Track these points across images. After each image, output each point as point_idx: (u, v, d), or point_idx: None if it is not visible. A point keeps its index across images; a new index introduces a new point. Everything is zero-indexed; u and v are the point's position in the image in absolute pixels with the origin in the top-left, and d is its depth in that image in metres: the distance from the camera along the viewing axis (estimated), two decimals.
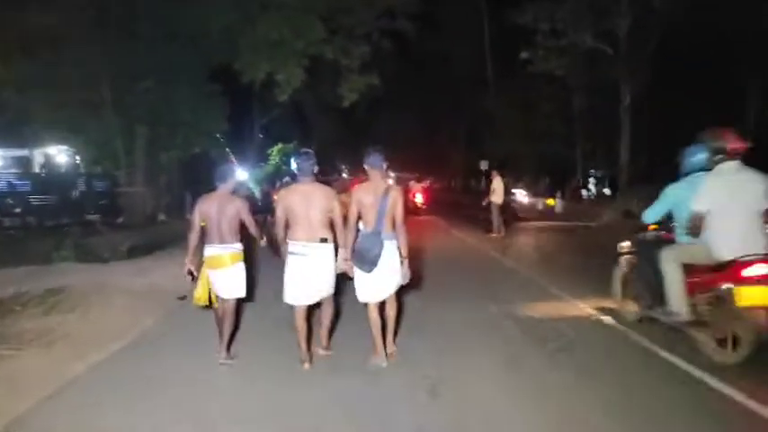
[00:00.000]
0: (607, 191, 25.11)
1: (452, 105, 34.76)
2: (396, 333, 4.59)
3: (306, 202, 4.20)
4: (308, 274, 4.20)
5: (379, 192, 4.23)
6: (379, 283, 4.23)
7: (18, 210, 16.91)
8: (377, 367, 4.25)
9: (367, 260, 4.12)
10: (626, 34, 17.52)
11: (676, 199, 4.64)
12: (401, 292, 4.54)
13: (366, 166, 4.35)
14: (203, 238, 4.52)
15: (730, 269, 4.18)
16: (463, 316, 5.89)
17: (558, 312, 5.97)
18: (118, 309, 6.19)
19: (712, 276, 4.38)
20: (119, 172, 18.28)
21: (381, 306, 4.37)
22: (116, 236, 14.59)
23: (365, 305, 4.34)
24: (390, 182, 5.27)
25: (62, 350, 4.77)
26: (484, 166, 33.88)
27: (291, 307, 4.35)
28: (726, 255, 4.20)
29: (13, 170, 19.77)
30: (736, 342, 4.22)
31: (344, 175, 34.80)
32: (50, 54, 14.76)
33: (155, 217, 18.76)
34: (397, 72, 30.48)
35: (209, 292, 4.59)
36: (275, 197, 19.33)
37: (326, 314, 4.51)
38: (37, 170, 19.31)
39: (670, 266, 4.55)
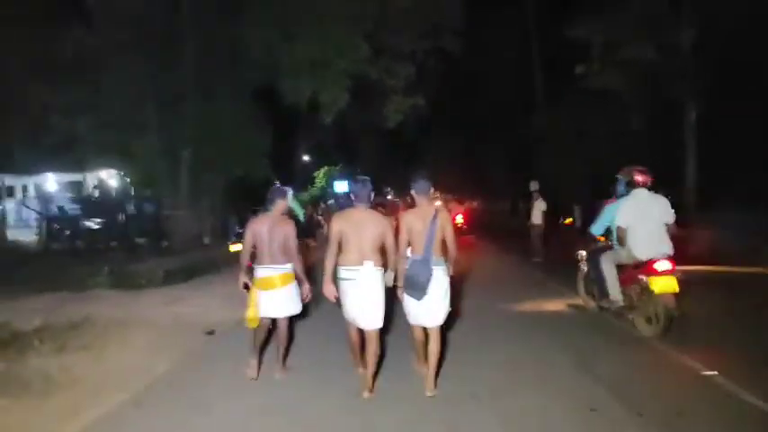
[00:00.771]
0: None
1: (499, 126, 33.73)
2: (437, 373, 4.43)
3: (359, 228, 4.24)
4: (356, 298, 4.22)
5: (428, 217, 4.27)
6: (431, 309, 4.26)
7: (67, 233, 17.13)
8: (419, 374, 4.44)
9: (417, 287, 4.16)
10: (691, 46, 16.27)
11: (611, 216, 6.20)
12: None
13: (413, 192, 4.42)
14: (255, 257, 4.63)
15: (646, 266, 5.83)
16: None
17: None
18: (136, 347, 5.65)
19: (635, 272, 6.05)
20: (163, 195, 18.26)
21: (425, 338, 4.42)
22: (158, 260, 14.44)
23: (411, 327, 4.47)
24: (438, 204, 5.50)
25: (60, 401, 4.23)
26: (534, 186, 32.66)
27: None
28: (643, 256, 5.84)
29: (67, 194, 20.33)
30: (657, 319, 5.75)
31: (390, 197, 34.22)
32: (95, 76, 14.91)
33: (200, 240, 18.65)
34: (442, 93, 29.96)
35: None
36: (319, 219, 19.13)
37: (372, 346, 4.29)
38: (89, 194, 19.73)
39: (607, 267, 6.35)
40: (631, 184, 6.07)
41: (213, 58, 16.54)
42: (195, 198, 19.21)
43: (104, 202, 18.43)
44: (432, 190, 4.54)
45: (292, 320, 4.95)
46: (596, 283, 6.71)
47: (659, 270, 5.67)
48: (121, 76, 15.41)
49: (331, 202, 27.82)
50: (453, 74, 30.03)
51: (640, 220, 5.84)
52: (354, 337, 4.41)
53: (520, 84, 30.93)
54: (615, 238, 6.15)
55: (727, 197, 15.95)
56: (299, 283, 4.80)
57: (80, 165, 18.90)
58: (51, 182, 23.13)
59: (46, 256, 14.12)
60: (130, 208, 20.05)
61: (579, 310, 7.37)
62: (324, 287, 4.33)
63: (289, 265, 4.58)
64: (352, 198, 4.48)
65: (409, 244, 4.36)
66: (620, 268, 6.27)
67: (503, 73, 31.48)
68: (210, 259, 13.17)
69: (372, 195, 4.49)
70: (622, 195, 6.23)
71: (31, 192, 22.25)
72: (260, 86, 19.32)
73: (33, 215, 17.62)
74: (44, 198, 18.79)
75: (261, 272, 4.56)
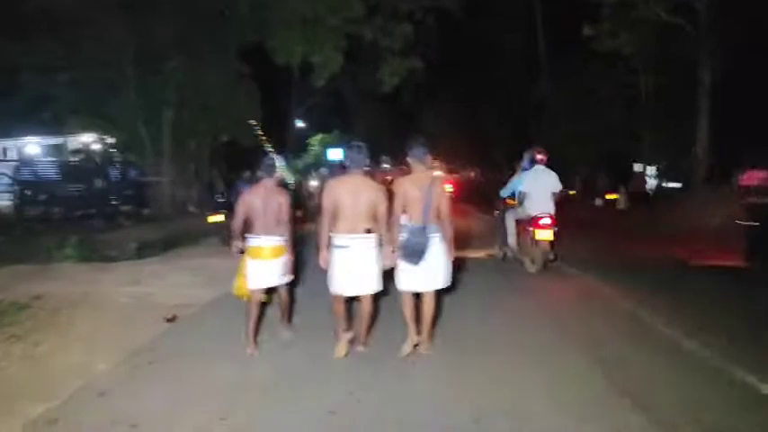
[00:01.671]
0: (673, 185, 22.62)
1: (500, 93, 32.52)
2: (430, 335, 4.50)
3: (353, 195, 4.15)
4: (351, 266, 4.17)
5: (425, 184, 4.22)
6: (428, 276, 4.25)
7: (42, 198, 16.20)
8: (404, 352, 4.30)
9: (415, 254, 4.15)
10: (707, 6, 15.14)
11: (517, 184, 7.98)
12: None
13: (409, 159, 4.36)
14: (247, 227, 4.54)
15: (533, 220, 7.51)
16: None
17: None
18: (80, 338, 4.79)
19: (527, 225, 7.73)
20: (144, 160, 17.30)
21: (417, 297, 4.38)
22: (136, 229, 13.64)
23: (401, 292, 4.35)
24: (437, 172, 4.88)
25: None
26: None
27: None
28: (533, 213, 7.52)
29: (50, 158, 19.33)
30: (536, 259, 7.66)
31: (385, 165, 33.26)
32: (70, 31, 13.76)
33: (184, 208, 17.77)
34: (441, 56, 28.65)
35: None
36: (310, 191, 18.25)
37: (366, 308, 4.38)
38: (70, 158, 18.73)
39: (509, 222, 8.39)
40: (533, 162, 7.81)
41: (196, 14, 15.34)
42: (180, 164, 18.29)
43: (83, 168, 17.44)
44: (429, 158, 4.49)
45: (292, 285, 4.91)
46: (502, 235, 8.68)
47: (541, 224, 7.45)
48: (97, 30, 14.26)
49: (323, 170, 26.91)
50: (452, 37, 28.76)
51: (535, 187, 7.63)
52: (340, 309, 4.33)
53: (522, 48, 29.63)
54: (518, 200, 7.94)
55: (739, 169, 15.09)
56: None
57: (61, 128, 17.90)
58: (33, 145, 22.16)
59: (18, 224, 13.20)
60: (114, 173, 19.15)
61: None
62: (320, 256, 4.28)
63: (282, 237, 4.53)
64: (346, 165, 4.40)
65: (404, 211, 4.29)
66: (519, 223, 8.11)
67: (504, 36, 30.13)
68: (191, 230, 12.31)
69: (368, 161, 4.40)
70: (526, 169, 7.96)
71: (13, 155, 21.24)
72: (247, 46, 18.16)
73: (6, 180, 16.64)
74: (24, 162, 17.82)
75: (253, 241, 4.52)
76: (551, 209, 7.49)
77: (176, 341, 4.67)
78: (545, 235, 7.41)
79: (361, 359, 4.30)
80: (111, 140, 18.38)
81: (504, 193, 8.47)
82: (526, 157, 8.05)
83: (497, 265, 8.44)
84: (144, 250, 9.98)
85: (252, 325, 4.48)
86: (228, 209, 10.64)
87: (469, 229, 12.46)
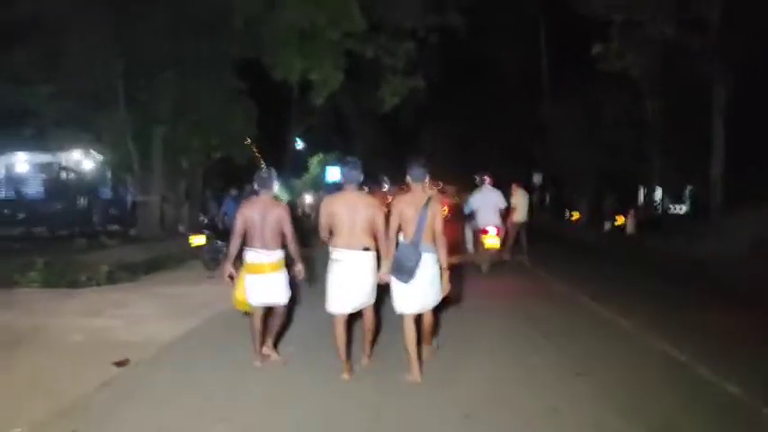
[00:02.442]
0: (681, 208, 21.82)
1: (502, 114, 31.97)
2: (430, 340, 4.67)
3: (350, 210, 4.22)
4: (349, 282, 4.20)
5: (420, 204, 4.28)
6: (418, 295, 4.23)
7: (21, 217, 15.43)
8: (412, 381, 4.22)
9: (404, 270, 4.14)
10: (719, 22, 14.52)
11: (471, 202, 9.90)
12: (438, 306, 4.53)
13: (408, 178, 4.42)
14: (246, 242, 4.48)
15: (482, 231, 9.39)
16: None
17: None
18: (15, 385, 3.97)
19: (480, 235, 9.52)
20: (133, 177, 16.54)
21: (417, 319, 4.36)
22: (119, 251, 12.82)
23: (402, 317, 4.32)
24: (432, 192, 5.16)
25: None
26: (537, 179, 30.98)
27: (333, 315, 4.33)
28: (482, 226, 9.41)
29: (41, 176, 18.60)
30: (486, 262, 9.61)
31: (385, 186, 32.59)
32: (53, 39, 13.09)
33: (174, 229, 16.96)
34: (442, 76, 28.16)
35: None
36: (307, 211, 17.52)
37: (368, 320, 4.46)
38: (57, 176, 18.00)
39: (468, 232, 10.55)
40: (481, 182, 9.75)
41: (189, 26, 14.73)
42: (171, 182, 17.53)
43: (69, 186, 16.71)
44: (427, 177, 4.50)
45: (290, 305, 4.83)
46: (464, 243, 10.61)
47: (489, 233, 9.25)
48: (83, 41, 13.61)
49: (321, 192, 26.20)
50: (455, 57, 28.32)
51: (483, 204, 9.50)
52: (341, 335, 4.29)
53: (525, 68, 29.15)
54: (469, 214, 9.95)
55: (756, 196, 14.26)
56: (293, 264, 4.63)
57: (47, 143, 17.18)
58: (22, 162, 21.40)
59: None
60: (105, 192, 18.35)
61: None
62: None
63: (279, 252, 4.49)
64: (342, 181, 4.43)
65: (400, 229, 4.35)
66: (476, 233, 9.76)
67: (507, 55, 29.68)
68: (177, 252, 11.50)
69: (362, 177, 4.42)
70: (477, 188, 9.87)
71: (1, 173, 20.47)
72: (244, 61, 17.55)
73: None
74: (12, 180, 17.09)
75: (250, 255, 4.46)
76: (497, 221, 9.42)
77: (117, 396, 3.82)
78: (492, 242, 9.32)
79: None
80: (101, 157, 17.70)
81: (466, 209, 10.06)
82: (477, 179, 9.92)
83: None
84: (118, 274, 9.13)
85: (257, 338, 4.48)
86: (212, 230, 9.85)
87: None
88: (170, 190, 17.31)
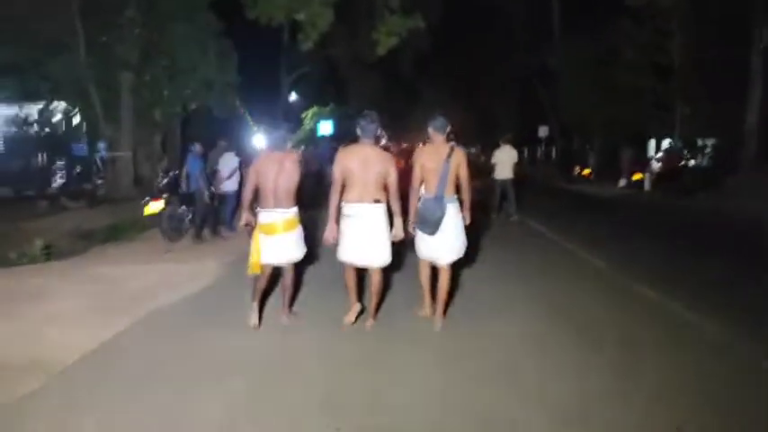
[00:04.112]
0: (701, 162, 20.14)
1: (508, 59, 29.85)
2: (446, 309, 4.46)
3: (364, 164, 4.12)
4: (361, 235, 4.15)
5: (443, 155, 4.25)
6: (442, 245, 4.26)
7: None
8: (420, 314, 4.51)
9: (430, 223, 4.17)
10: None
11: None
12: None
13: (430, 129, 4.39)
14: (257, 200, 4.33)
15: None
16: None
17: None
18: None
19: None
20: (99, 131, 14.88)
21: (434, 270, 4.41)
22: (80, 215, 11.38)
23: (420, 260, 4.41)
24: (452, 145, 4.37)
25: None
26: (542, 132, 29.18)
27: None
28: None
29: (12, 129, 16.89)
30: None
31: (383, 140, 30.80)
32: None
33: (151, 187, 15.40)
34: (443, 22, 25.90)
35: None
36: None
37: (376, 284, 4.31)
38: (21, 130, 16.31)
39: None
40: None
41: None
42: (145, 137, 15.90)
43: (32, 141, 15.06)
44: (448, 128, 4.40)
45: (299, 266, 4.69)
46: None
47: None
48: None
49: (310, 147, 24.46)
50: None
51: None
52: (351, 279, 4.33)
53: (534, 9, 26.84)
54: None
55: None
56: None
57: (18, 96, 15.40)
58: None
59: None
60: (81, 148, 16.66)
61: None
62: (327, 228, 4.18)
63: (294, 209, 4.36)
64: (358, 134, 4.25)
65: (422, 181, 4.33)
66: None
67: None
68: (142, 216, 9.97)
69: (380, 131, 4.54)
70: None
71: None
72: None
73: None
74: None
75: (264, 216, 4.32)
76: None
77: None
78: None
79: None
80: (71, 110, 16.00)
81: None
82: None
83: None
84: (62, 246, 7.67)
85: (258, 297, 4.38)
86: (172, 193, 8.32)
87: None
88: (143, 145, 15.71)
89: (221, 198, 9.42)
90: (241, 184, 10.14)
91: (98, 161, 16.24)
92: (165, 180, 8.50)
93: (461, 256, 4.36)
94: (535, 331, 4.28)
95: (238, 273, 6.12)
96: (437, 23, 23.43)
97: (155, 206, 7.92)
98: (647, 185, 16.42)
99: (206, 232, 8.58)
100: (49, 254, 7.28)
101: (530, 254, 7.58)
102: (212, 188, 9.12)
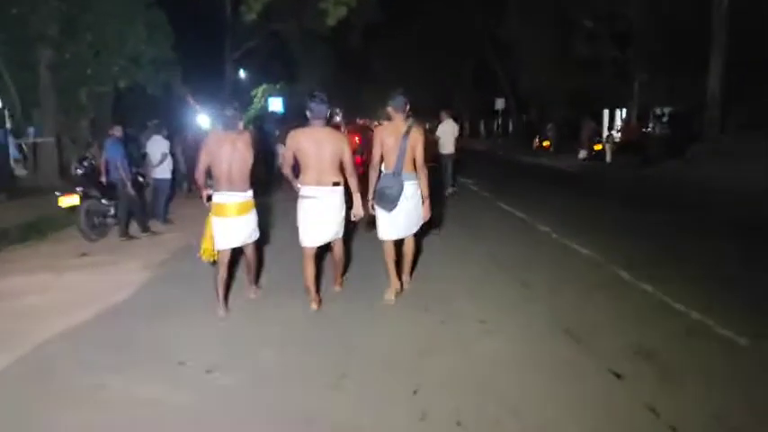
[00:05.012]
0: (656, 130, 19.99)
1: (462, 31, 29.06)
2: (412, 271, 4.83)
3: (317, 145, 4.10)
4: (319, 217, 4.17)
5: (401, 133, 4.29)
6: (400, 222, 4.35)
7: None
8: (387, 302, 4.46)
9: (388, 199, 4.24)
10: None
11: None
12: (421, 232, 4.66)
13: (389, 108, 4.41)
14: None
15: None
16: None
17: None
18: None
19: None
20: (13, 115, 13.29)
21: (398, 243, 4.51)
22: None
23: (383, 242, 4.47)
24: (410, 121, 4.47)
25: None
26: (499, 104, 28.70)
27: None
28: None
29: None
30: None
31: (337, 118, 29.69)
32: None
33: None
34: None
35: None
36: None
37: (338, 252, 4.49)
38: None
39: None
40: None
41: None
42: (70, 120, 14.33)
43: None
44: (407, 106, 4.42)
45: (259, 244, 4.64)
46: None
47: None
48: None
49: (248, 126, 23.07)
50: None
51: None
52: (310, 268, 4.28)
53: None
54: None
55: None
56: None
57: None
58: None
59: None
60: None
61: None
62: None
63: (249, 193, 4.28)
64: (308, 116, 4.21)
65: (382, 159, 4.39)
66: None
67: None
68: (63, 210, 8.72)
69: (329, 112, 4.28)
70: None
71: None
72: None
73: None
74: None
75: (217, 198, 4.20)
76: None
77: None
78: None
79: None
80: None
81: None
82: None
83: None
84: None
85: (222, 287, 4.26)
86: (90, 184, 7.17)
87: None
88: (68, 129, 14.16)
89: (155, 187, 8.32)
90: (175, 170, 9.09)
91: (22, 148, 14.64)
92: (80, 170, 7.30)
93: (418, 228, 4.52)
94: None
95: (169, 277, 5.18)
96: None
97: (68, 201, 6.76)
98: (608, 157, 16.11)
99: (135, 228, 7.50)
100: None
101: (488, 229, 7.30)
102: (142, 176, 8.02)
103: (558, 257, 5.83)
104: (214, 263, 4.30)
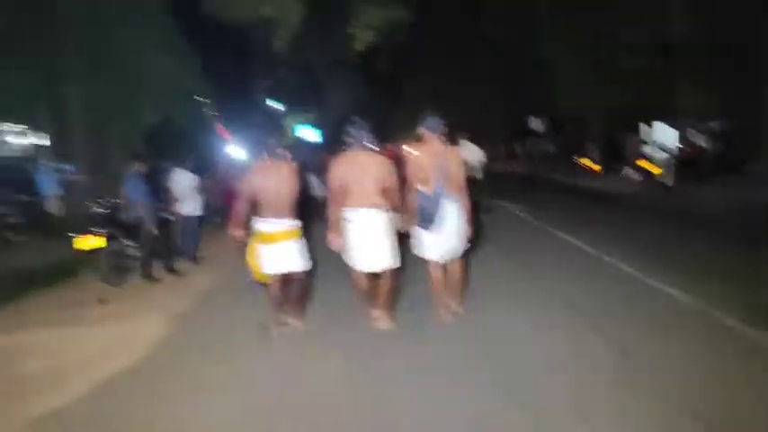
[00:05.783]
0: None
1: (495, 53, 28.47)
2: (462, 298, 4.67)
3: (360, 170, 4.16)
4: (365, 240, 4.17)
5: (438, 154, 4.26)
6: (442, 242, 4.27)
7: None
8: (441, 326, 4.39)
9: (428, 219, 4.20)
10: None
11: None
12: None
13: (424, 130, 4.35)
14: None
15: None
16: None
17: None
18: None
19: None
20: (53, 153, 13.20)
21: (444, 268, 4.43)
22: (21, 249, 9.80)
23: (428, 263, 4.38)
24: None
25: None
26: (536, 124, 27.82)
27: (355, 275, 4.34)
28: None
29: None
30: None
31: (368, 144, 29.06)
32: None
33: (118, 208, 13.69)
34: (423, 12, 24.33)
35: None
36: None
37: (386, 286, 4.35)
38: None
39: None
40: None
41: None
42: (101, 155, 14.19)
43: None
44: (443, 127, 4.39)
45: (306, 279, 4.62)
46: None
47: None
48: None
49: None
50: None
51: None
52: (362, 284, 4.37)
53: None
54: None
55: None
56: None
57: None
58: None
59: None
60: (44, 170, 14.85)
61: None
62: (329, 237, 4.29)
63: (294, 221, 4.32)
64: (348, 142, 4.32)
65: (420, 180, 4.32)
66: None
67: None
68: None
69: (369, 137, 4.38)
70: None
71: None
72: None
73: None
74: None
75: (262, 226, 4.27)
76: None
77: None
78: None
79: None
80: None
81: None
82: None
83: None
84: None
85: (274, 306, 4.35)
86: (110, 224, 6.69)
87: None
88: (99, 165, 14.01)
89: (183, 225, 7.84)
90: (209, 206, 8.63)
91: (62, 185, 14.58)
92: (101, 209, 6.84)
93: (462, 250, 4.42)
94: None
95: (184, 336, 4.56)
96: (416, 13, 21.91)
97: (86, 243, 6.28)
98: (666, 176, 14.73)
99: (160, 266, 7.00)
100: None
101: (550, 266, 6.21)
102: (166, 213, 7.55)
103: (652, 307, 4.69)
104: (264, 284, 4.37)
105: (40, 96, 12.52)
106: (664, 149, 14.52)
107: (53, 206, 13.79)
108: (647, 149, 15.52)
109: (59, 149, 13.73)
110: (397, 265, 4.32)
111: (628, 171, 16.18)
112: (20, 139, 16.51)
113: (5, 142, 14.56)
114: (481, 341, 4.06)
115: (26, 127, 14.00)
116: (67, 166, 14.16)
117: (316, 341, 4.27)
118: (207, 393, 3.46)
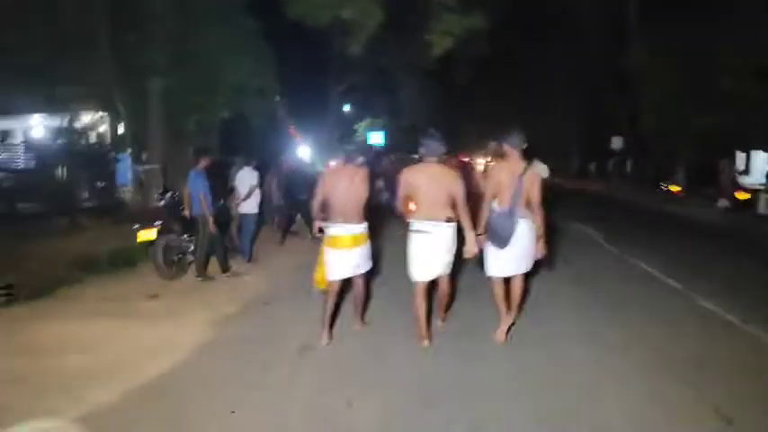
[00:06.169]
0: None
1: (576, 67, 27.30)
2: (519, 309, 4.58)
3: (431, 182, 4.16)
4: (430, 253, 4.18)
5: (517, 171, 4.22)
6: (510, 260, 4.26)
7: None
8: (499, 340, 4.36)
9: (500, 237, 4.17)
10: None
11: None
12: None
13: (505, 146, 4.33)
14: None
15: None
16: None
17: None
18: None
19: None
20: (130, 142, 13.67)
21: (507, 281, 4.41)
22: (93, 235, 10.03)
23: (490, 278, 4.40)
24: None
25: None
26: (617, 144, 26.34)
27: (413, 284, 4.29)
28: None
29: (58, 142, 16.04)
30: None
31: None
32: None
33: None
34: (502, 21, 23.54)
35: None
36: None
37: (444, 288, 4.45)
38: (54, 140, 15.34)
39: None
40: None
41: None
42: (176, 147, 14.58)
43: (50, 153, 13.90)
44: (524, 145, 4.33)
45: (368, 278, 4.67)
46: None
47: None
48: None
49: (360, 159, 22.73)
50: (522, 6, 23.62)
51: None
52: (421, 306, 4.25)
53: (606, 5, 24.12)
54: None
55: None
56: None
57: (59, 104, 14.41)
58: (39, 126, 18.91)
59: None
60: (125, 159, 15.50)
61: None
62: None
63: (363, 225, 4.36)
64: (422, 153, 4.35)
65: (495, 197, 4.31)
66: None
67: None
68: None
69: (444, 149, 4.36)
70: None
71: (18, 138, 18.07)
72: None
73: None
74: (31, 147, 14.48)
75: (332, 230, 4.30)
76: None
77: None
78: None
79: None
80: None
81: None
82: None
83: None
84: (44, 276, 6.11)
85: (329, 315, 4.34)
86: (170, 217, 6.63)
87: None
88: (175, 156, 14.38)
89: (240, 223, 7.72)
90: (262, 203, 8.51)
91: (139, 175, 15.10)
92: (163, 201, 6.82)
93: (529, 269, 4.37)
94: None
95: (230, 341, 4.30)
96: (498, 24, 21.25)
97: (146, 235, 6.25)
98: (763, 207, 13.43)
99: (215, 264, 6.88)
100: (11, 294, 5.71)
101: (631, 300, 5.40)
102: (226, 210, 7.46)
103: (750, 361, 4.04)
104: (325, 292, 4.36)
105: (125, 87, 12.96)
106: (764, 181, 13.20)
107: (127, 195, 14.24)
108: (745, 179, 14.19)
109: (137, 140, 14.19)
110: (449, 270, 4.35)
111: (723, 201, 14.86)
112: (100, 127, 17.20)
113: (86, 131, 15.19)
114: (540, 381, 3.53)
115: (105, 114, 14.55)
116: (143, 157, 14.65)
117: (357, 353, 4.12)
118: (228, 402, 3.17)
